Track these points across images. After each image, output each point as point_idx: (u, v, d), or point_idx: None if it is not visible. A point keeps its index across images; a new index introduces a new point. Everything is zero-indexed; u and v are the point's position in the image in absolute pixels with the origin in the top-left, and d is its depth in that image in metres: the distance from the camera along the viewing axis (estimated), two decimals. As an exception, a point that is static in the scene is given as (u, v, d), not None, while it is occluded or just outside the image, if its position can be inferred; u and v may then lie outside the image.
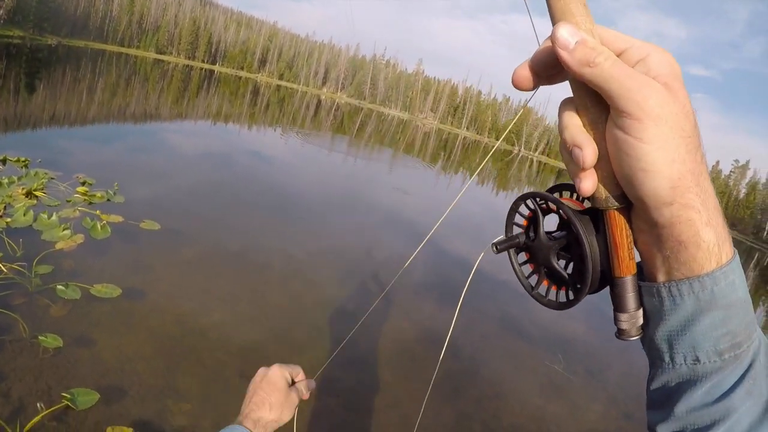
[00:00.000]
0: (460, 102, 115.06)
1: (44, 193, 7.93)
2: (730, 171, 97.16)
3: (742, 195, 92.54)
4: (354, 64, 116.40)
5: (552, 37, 0.52)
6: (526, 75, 0.58)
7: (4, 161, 8.86)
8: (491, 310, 9.03)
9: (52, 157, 9.98)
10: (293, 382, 1.40)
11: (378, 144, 36.16)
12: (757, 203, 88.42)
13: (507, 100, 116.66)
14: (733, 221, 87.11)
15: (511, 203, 0.69)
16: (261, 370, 1.40)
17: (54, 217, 6.84)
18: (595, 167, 0.55)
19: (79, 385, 4.01)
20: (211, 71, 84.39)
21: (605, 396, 6.99)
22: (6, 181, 7.79)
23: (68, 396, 3.77)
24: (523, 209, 0.70)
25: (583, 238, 0.58)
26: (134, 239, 7.28)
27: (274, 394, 1.31)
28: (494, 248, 0.69)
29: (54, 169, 9.12)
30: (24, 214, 6.74)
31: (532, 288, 0.67)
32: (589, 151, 0.54)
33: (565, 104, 0.58)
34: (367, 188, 17.50)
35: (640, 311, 0.58)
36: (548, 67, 0.57)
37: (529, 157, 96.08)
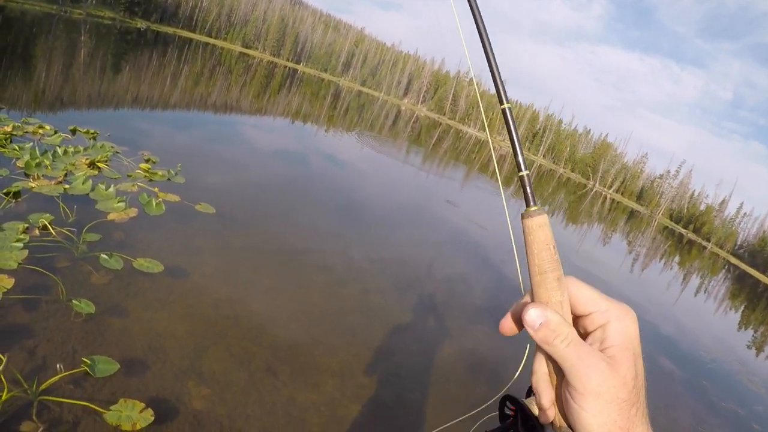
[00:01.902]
0: (539, 129, 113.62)
1: (107, 165, 8.18)
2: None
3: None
4: (437, 79, 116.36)
5: (522, 318, 0.69)
6: (509, 325, 0.75)
7: (74, 131, 9.21)
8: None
9: (122, 134, 10.29)
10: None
11: (453, 160, 35.98)
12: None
13: (587, 132, 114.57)
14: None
15: (500, 398, 0.85)
16: None
17: (111, 189, 7.02)
18: (555, 401, 0.71)
19: (103, 353, 4.05)
20: (295, 70, 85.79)
21: None
22: (72, 150, 8.05)
23: (88, 362, 3.81)
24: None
25: None
26: (187, 220, 7.40)
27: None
28: None
29: (121, 145, 9.39)
30: (83, 183, 6.94)
31: None
32: (544, 400, 0.72)
33: (540, 350, 0.72)
34: (436, 205, 17.36)
35: None
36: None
37: (603, 193, 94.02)
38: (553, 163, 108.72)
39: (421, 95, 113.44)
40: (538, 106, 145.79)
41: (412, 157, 27.62)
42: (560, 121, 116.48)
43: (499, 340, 7.95)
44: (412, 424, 5.07)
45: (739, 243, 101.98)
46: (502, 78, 0.76)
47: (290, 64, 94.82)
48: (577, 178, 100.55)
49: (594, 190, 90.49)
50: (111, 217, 6.48)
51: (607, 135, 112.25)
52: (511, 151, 0.73)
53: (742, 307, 31.99)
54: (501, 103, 0.74)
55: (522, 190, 0.72)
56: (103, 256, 5.38)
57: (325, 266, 7.87)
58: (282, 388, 4.62)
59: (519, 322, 0.73)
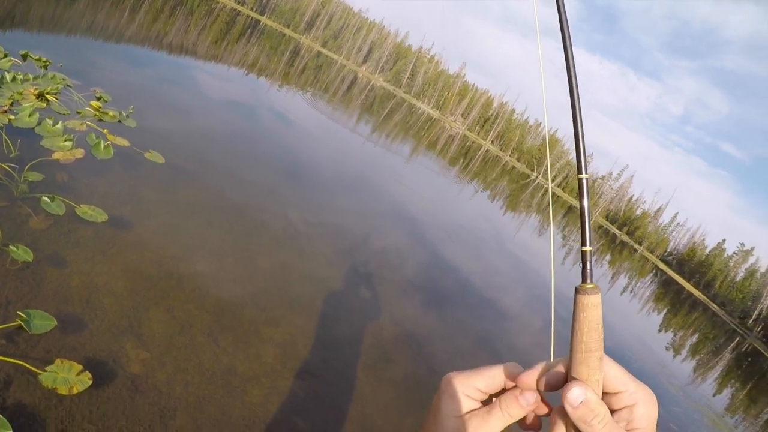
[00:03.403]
0: (492, 114, 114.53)
1: (56, 98, 7.72)
2: (734, 252, 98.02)
3: (738, 278, 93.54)
4: (398, 51, 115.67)
5: (563, 394, 0.69)
6: (530, 384, 0.74)
7: (24, 57, 8.63)
8: (473, 326, 8.90)
9: (75, 66, 9.78)
10: (490, 397, 0.79)
11: (402, 134, 35.87)
12: (751, 290, 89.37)
13: (537, 125, 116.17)
14: (723, 301, 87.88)
15: None
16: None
17: (59, 125, 6.63)
18: None
19: (39, 306, 3.80)
20: (257, 21, 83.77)
21: None
22: (21, 77, 7.58)
23: (24, 316, 3.56)
24: None
25: None
26: (135, 167, 7.08)
27: (431, 429, 0.79)
28: None
29: (73, 78, 8.91)
30: (29, 115, 6.53)
31: None
32: None
33: (564, 418, 0.71)
34: (379, 176, 17.26)
35: None
36: (557, 386, 0.72)
37: (545, 186, 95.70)
38: (501, 150, 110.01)
39: (380, 65, 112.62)
40: (493, 92, 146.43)
41: (362, 126, 27.38)
42: (513, 111, 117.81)
43: (433, 320, 8.04)
44: (352, 401, 5.02)
45: (668, 250, 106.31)
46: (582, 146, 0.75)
47: (254, 14, 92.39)
48: (521, 168, 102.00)
49: (537, 181, 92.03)
50: (56, 156, 6.11)
51: (556, 130, 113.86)
52: (579, 218, 0.75)
53: (665, 311, 33.27)
54: (579, 172, 0.74)
55: (582, 264, 0.72)
56: (45, 198, 5.05)
57: (273, 230, 7.70)
58: (223, 355, 4.47)
59: (550, 384, 0.73)
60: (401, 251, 10.40)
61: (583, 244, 0.72)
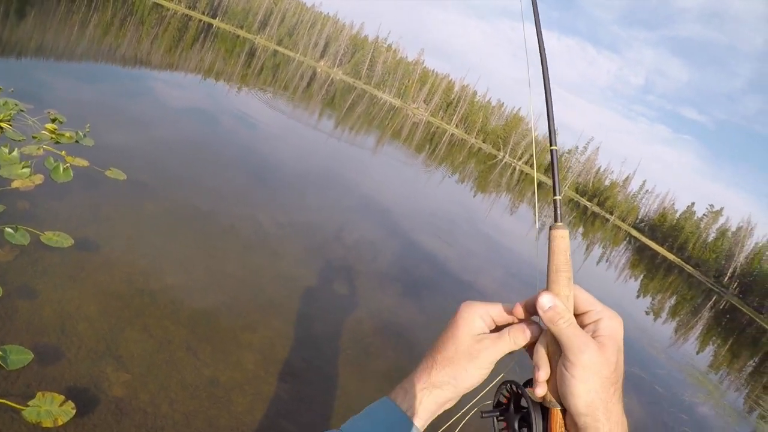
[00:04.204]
0: (454, 98, 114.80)
1: (10, 125, 7.57)
2: (703, 214, 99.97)
3: (710, 239, 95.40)
4: (355, 43, 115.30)
5: (537, 301, 0.87)
6: (519, 311, 0.93)
7: (-26, 86, 8.47)
8: (452, 311, 8.96)
9: (27, 89, 9.58)
10: (497, 328, 0.96)
11: (366, 126, 35.84)
12: (723, 249, 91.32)
13: (500, 105, 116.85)
14: (697, 262, 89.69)
15: (499, 383, 0.99)
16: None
17: (15, 153, 6.51)
18: (548, 380, 0.87)
19: (13, 341, 3.77)
20: (210, 25, 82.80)
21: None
22: (-29, 108, 7.44)
23: (0, 353, 3.54)
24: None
25: (533, 419, 0.87)
26: (97, 187, 7.00)
27: (447, 346, 0.93)
28: (481, 415, 1.00)
29: (26, 101, 8.75)
30: (-17, 147, 6.40)
31: None
32: (542, 373, 0.87)
33: (544, 335, 0.89)
34: (346, 170, 17.24)
35: None
36: (536, 310, 0.87)
37: (512, 164, 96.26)
38: (466, 133, 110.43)
39: (338, 58, 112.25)
40: (454, 76, 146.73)
41: (324, 122, 27.30)
42: (474, 93, 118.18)
43: (412, 309, 8.10)
44: (337, 398, 5.06)
45: (640, 217, 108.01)
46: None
47: (206, 18, 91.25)
48: (488, 149, 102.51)
49: (504, 161, 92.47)
50: (15, 185, 6.00)
51: (519, 109, 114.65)
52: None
53: (641, 277, 33.76)
54: (550, 144, 0.94)
55: (553, 209, 0.93)
56: (8, 229, 4.98)
57: (240, 234, 7.66)
58: (204, 368, 4.48)
59: (530, 309, 0.92)
60: (374, 243, 10.43)
61: (554, 194, 0.92)
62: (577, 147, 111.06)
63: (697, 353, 18.27)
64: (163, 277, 5.56)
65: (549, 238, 0.90)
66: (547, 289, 0.89)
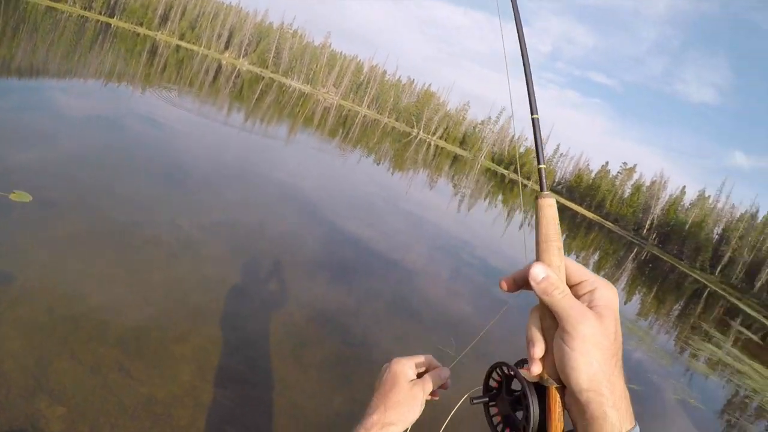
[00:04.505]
0: (364, 80, 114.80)
1: None
2: (618, 172, 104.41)
3: (626, 195, 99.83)
4: (260, 31, 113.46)
5: (529, 272, 0.84)
6: (510, 283, 0.90)
7: None
8: (382, 290, 9.06)
9: None
10: (420, 375, 1.18)
11: (277, 116, 35.44)
12: (640, 203, 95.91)
13: (411, 82, 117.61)
14: (616, 218, 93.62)
15: (488, 368, 0.98)
16: (384, 368, 1.19)
17: None
18: (543, 357, 0.84)
19: (-68, 388, 3.60)
20: (108, 25, 79.82)
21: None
22: None
23: None
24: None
25: (529, 400, 0.85)
26: (2, 213, 6.63)
27: (392, 393, 1.11)
28: (470, 401, 0.98)
29: None
30: None
31: None
32: (537, 349, 0.84)
33: (536, 309, 0.87)
34: (261, 164, 17.02)
35: None
36: (525, 283, 0.86)
37: (427, 140, 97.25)
38: (378, 113, 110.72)
39: (243, 48, 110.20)
40: (362, 57, 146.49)
41: (234, 116, 26.85)
42: (384, 72, 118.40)
43: (341, 293, 8.14)
44: (279, 394, 5.06)
45: (557, 180, 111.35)
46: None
47: (103, 18, 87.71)
48: (401, 127, 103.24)
49: (419, 137, 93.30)
50: None
51: (430, 85, 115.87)
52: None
53: (564, 237, 34.75)
54: (532, 113, 0.92)
55: (539, 178, 0.91)
56: None
57: (158, 242, 7.44)
58: (139, 386, 4.39)
59: (518, 283, 0.89)
60: (298, 234, 10.40)
61: (538, 163, 0.91)
62: (490, 117, 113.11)
63: (625, 303, 19.07)
64: (86, 300, 5.37)
65: (536, 208, 0.88)
66: (538, 259, 0.86)
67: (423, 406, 1.11)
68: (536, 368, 0.84)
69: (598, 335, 0.77)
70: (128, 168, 10.59)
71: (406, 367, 1.15)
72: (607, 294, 0.82)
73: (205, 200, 10.36)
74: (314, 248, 9.95)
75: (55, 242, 6.40)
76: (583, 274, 0.85)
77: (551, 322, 0.83)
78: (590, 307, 0.80)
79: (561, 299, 0.80)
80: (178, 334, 5.38)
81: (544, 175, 0.91)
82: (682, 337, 17.12)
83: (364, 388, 5.75)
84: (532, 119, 0.92)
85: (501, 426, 0.93)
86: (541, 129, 0.95)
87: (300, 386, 5.29)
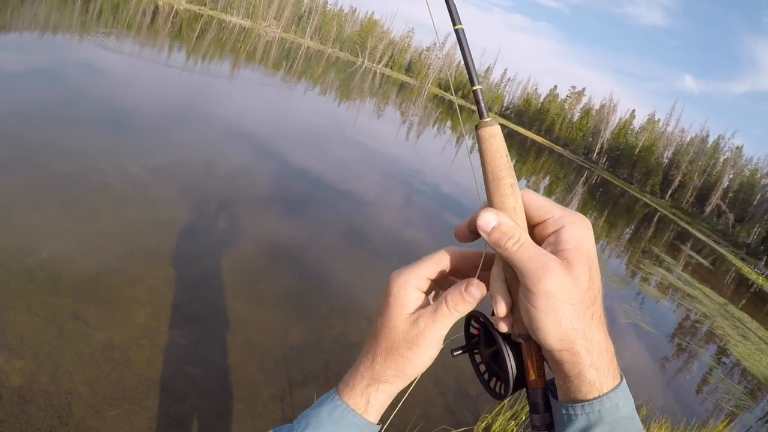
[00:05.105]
0: (305, 11, 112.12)
1: None
2: (567, 96, 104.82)
3: (576, 119, 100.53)
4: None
5: (477, 221, 0.70)
6: (465, 232, 0.75)
7: None
8: (335, 220, 9.14)
9: None
10: (429, 291, 0.79)
11: (218, 53, 34.50)
12: (589, 127, 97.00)
13: (353, 11, 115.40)
14: (566, 142, 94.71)
15: (467, 317, 0.81)
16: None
17: None
18: (512, 310, 0.72)
19: None
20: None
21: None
22: None
23: None
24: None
25: (504, 355, 0.74)
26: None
27: (383, 333, 0.76)
28: (451, 353, 0.83)
29: None
30: None
31: (487, 382, 0.80)
32: (501, 307, 0.72)
33: (499, 260, 0.73)
34: (206, 102, 16.67)
35: (549, 413, 0.73)
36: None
37: (373, 68, 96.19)
38: (321, 44, 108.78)
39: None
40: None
41: (175, 56, 26.05)
42: (326, 2, 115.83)
43: (293, 226, 8.19)
44: (235, 330, 5.13)
45: (505, 105, 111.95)
46: None
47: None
48: (346, 57, 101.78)
49: (364, 66, 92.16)
50: None
51: (373, 13, 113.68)
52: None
53: (514, 162, 34.79)
54: (454, 24, 0.74)
55: (476, 102, 0.73)
56: None
57: (106, 188, 7.26)
58: (95, 333, 4.39)
59: (475, 231, 0.72)
60: (247, 170, 10.33)
61: (472, 84, 0.73)
62: (435, 43, 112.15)
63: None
64: (37, 252, 5.27)
65: (478, 140, 0.73)
66: (487, 204, 0.73)
67: (435, 351, 0.76)
68: (503, 326, 0.73)
69: (566, 288, 0.64)
70: (71, 118, 10.23)
71: (406, 288, 0.76)
72: (577, 233, 0.68)
73: (152, 144, 10.14)
74: (264, 184, 9.92)
75: (1, 197, 6.22)
76: (547, 210, 0.72)
77: (515, 273, 0.69)
78: (557, 252, 0.67)
79: (517, 251, 0.67)
80: (131, 278, 5.36)
81: (481, 98, 0.73)
82: (633, 261, 17.68)
83: (319, 321, 5.87)
84: (456, 30, 0.74)
85: (487, 375, 0.80)
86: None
87: (256, 322, 5.37)
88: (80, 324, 4.44)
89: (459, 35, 0.74)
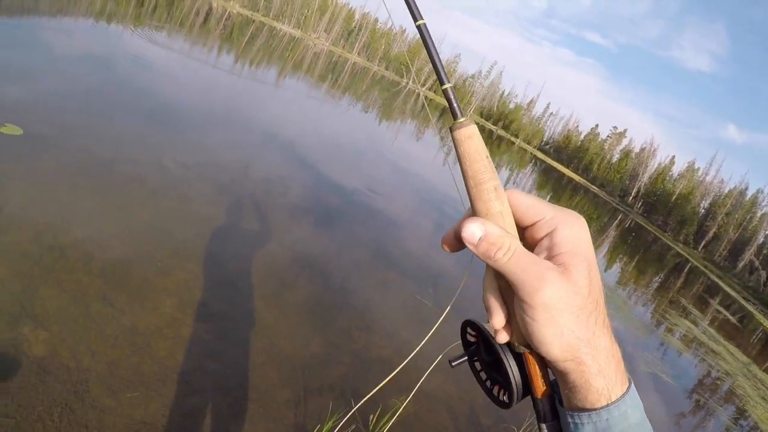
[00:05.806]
0: (355, 27, 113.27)
1: None
2: (608, 135, 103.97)
3: (615, 159, 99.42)
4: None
5: (461, 233, 0.66)
6: (452, 241, 0.70)
7: None
8: (365, 237, 9.16)
9: None
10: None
11: (266, 59, 34.94)
12: (627, 170, 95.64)
13: (402, 31, 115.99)
14: (603, 182, 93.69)
15: (462, 325, 0.82)
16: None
17: None
18: (509, 321, 0.68)
19: None
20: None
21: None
22: None
23: None
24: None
25: (506, 364, 0.71)
26: (-8, 145, 6.61)
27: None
28: (450, 364, 0.82)
29: None
30: None
31: (490, 390, 0.77)
32: (497, 319, 0.68)
33: (489, 269, 0.68)
34: (249, 106, 16.88)
35: (557, 421, 0.69)
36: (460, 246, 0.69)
37: (416, 90, 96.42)
38: (368, 60, 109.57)
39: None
40: (354, 4, 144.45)
41: (224, 58, 26.42)
42: (376, 20, 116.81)
43: (323, 238, 8.25)
44: (258, 332, 5.16)
45: (545, 140, 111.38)
46: None
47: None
48: (391, 76, 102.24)
49: (408, 87, 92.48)
50: None
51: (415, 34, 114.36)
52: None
53: (548, 197, 34.99)
54: (415, 20, 0.70)
55: (447, 102, 0.69)
56: None
57: (147, 180, 7.44)
58: (121, 316, 4.46)
59: (460, 242, 0.68)
60: (283, 177, 10.41)
61: (441, 83, 0.69)
62: (480, 71, 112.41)
63: (605, 270, 19.25)
64: (72, 232, 5.40)
65: (454, 144, 0.68)
66: (471, 213, 0.68)
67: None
68: (501, 338, 0.69)
69: (565, 297, 0.60)
70: (117, 107, 10.48)
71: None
72: (571, 233, 0.64)
73: (192, 141, 10.30)
74: (299, 193, 9.99)
75: (43, 174, 6.38)
76: (537, 211, 0.67)
77: (509, 284, 0.65)
78: (552, 257, 0.64)
79: (508, 262, 0.62)
80: (161, 267, 5.44)
81: (453, 97, 0.68)
82: (659, 311, 17.36)
83: (341, 333, 5.88)
84: (417, 26, 0.70)
85: (489, 383, 0.78)
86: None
87: (279, 327, 5.40)
88: (107, 306, 4.52)
89: (422, 31, 0.69)
